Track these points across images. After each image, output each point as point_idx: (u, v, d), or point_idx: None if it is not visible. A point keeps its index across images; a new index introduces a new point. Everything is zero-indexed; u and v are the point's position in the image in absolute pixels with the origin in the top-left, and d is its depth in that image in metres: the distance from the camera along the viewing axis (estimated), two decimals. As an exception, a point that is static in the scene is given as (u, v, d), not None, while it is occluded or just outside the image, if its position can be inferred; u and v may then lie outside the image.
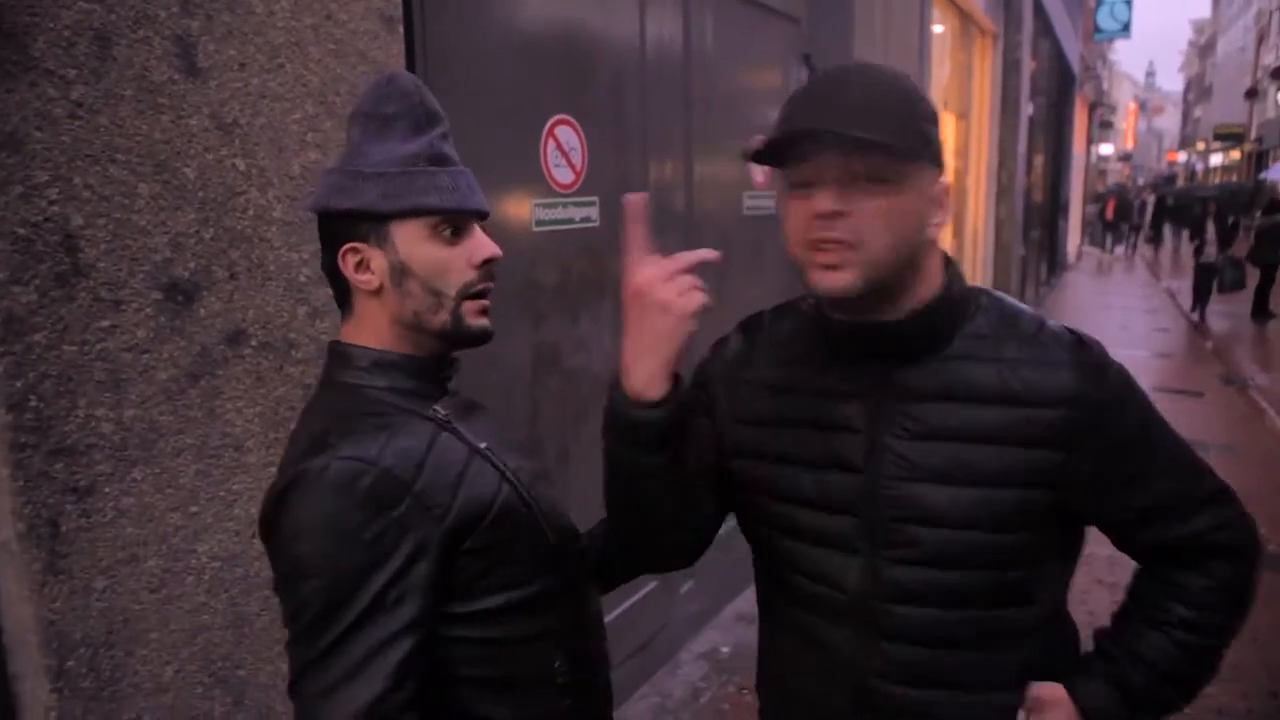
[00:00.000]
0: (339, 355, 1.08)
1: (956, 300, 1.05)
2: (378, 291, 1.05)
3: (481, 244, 1.06)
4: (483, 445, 1.08)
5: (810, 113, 0.98)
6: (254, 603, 1.47)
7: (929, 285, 1.03)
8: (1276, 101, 31.86)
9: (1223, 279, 10.78)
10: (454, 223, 1.04)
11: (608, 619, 2.79)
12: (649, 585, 3.03)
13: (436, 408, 1.07)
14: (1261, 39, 37.80)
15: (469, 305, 1.06)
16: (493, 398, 2.28)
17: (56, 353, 1.18)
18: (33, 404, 1.17)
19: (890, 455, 1.02)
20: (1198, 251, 12.58)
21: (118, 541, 1.27)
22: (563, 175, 2.47)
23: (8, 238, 1.12)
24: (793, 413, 1.09)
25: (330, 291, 1.54)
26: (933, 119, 1.02)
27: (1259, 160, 31.19)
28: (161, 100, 1.27)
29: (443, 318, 1.05)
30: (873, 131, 0.92)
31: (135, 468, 1.29)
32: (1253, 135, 37.14)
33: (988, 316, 1.05)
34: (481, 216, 1.08)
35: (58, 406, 1.19)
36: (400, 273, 1.03)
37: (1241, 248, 12.49)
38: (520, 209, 2.32)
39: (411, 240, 1.03)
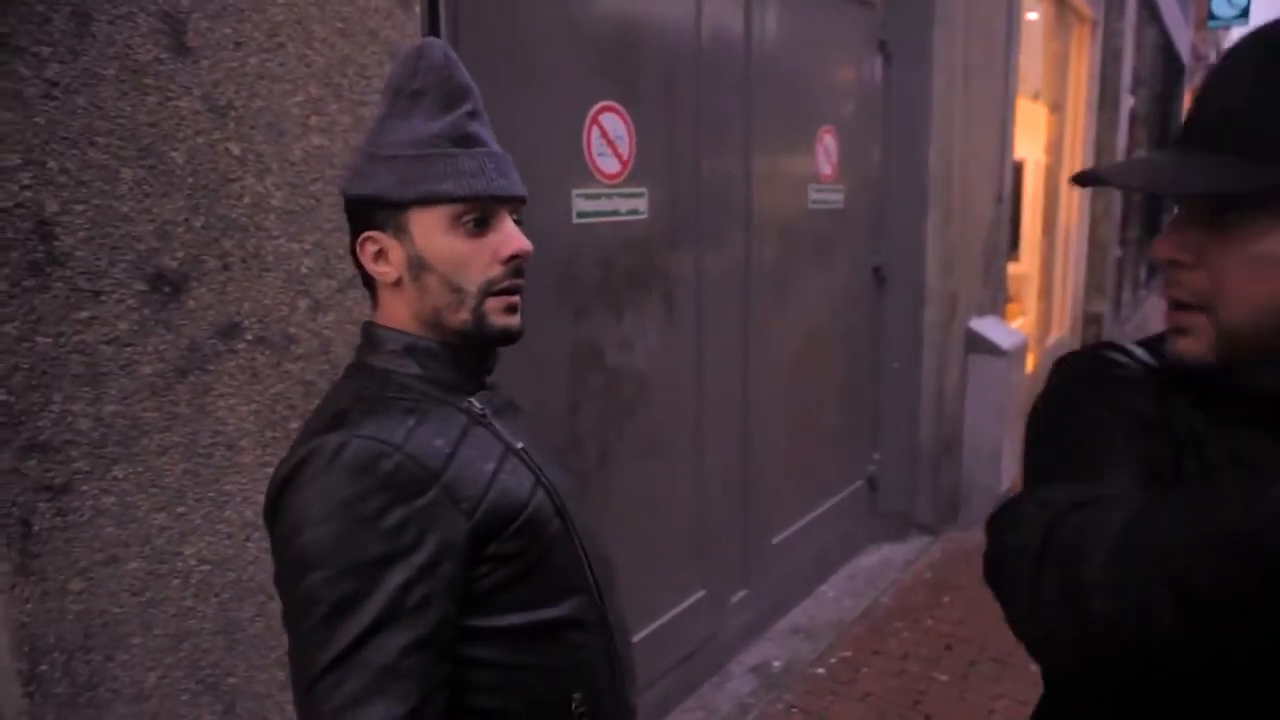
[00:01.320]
0: (370, 338, 1.00)
1: None
2: (397, 284, 0.97)
3: (510, 237, 0.97)
4: (519, 445, 1.00)
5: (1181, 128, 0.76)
6: (247, 608, 1.41)
7: None
8: None
9: None
10: (479, 212, 0.94)
11: (653, 626, 2.71)
12: (697, 593, 2.91)
13: (472, 400, 0.99)
14: (1395, 27, 35.28)
15: (493, 303, 0.97)
16: (528, 395, 2.19)
17: (29, 344, 1.13)
18: (2, 397, 1.12)
19: None
20: None
21: (96, 542, 1.22)
22: (608, 165, 2.37)
23: (-25, 224, 1.07)
24: None
25: (334, 284, 1.49)
26: None
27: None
28: (147, 81, 1.21)
29: (463, 316, 0.97)
30: (1211, 180, 0.68)
31: (116, 466, 1.23)
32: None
33: None
34: (515, 203, 0.99)
35: (30, 401, 1.14)
36: (418, 266, 0.96)
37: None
38: (559, 199, 2.22)
39: (429, 231, 0.94)
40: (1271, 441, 0.72)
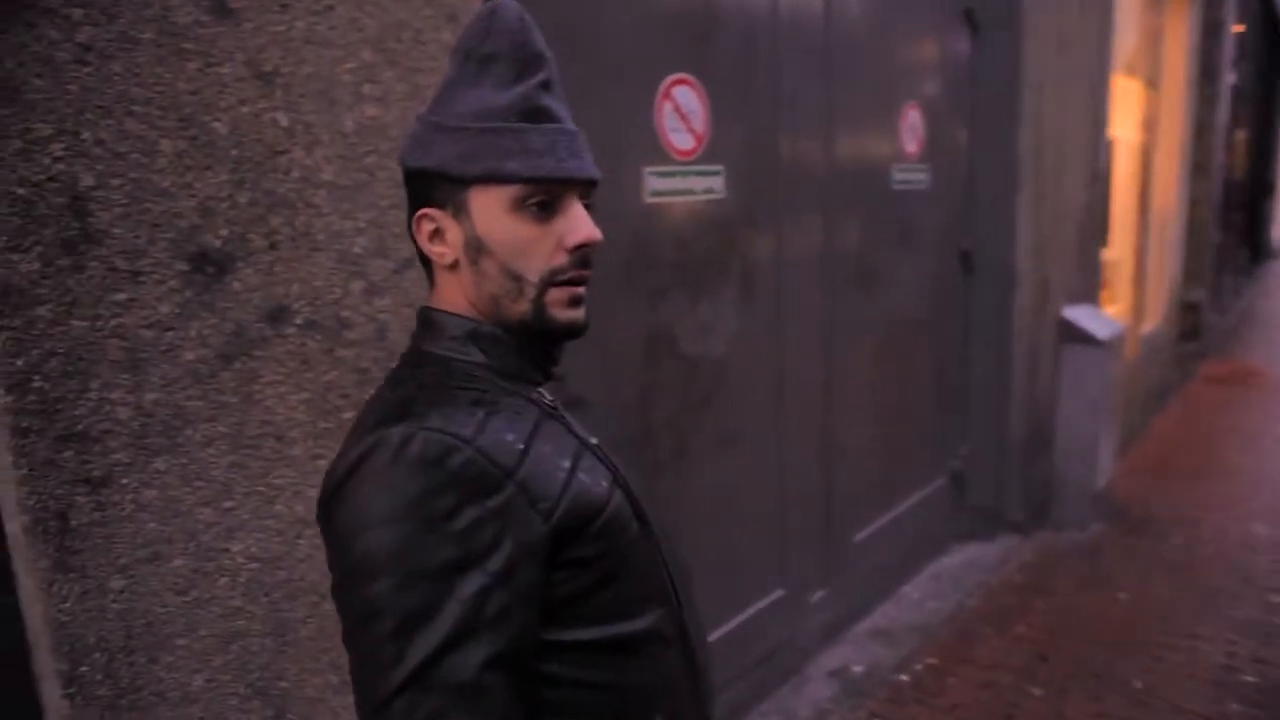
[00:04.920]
0: (428, 323, 0.92)
1: None
2: (454, 266, 0.89)
3: (578, 224, 0.87)
4: (594, 441, 0.91)
5: None
6: (298, 609, 1.32)
7: None
8: None
9: None
10: (546, 194, 0.85)
11: (729, 626, 2.58)
12: (776, 593, 2.78)
13: (542, 391, 0.91)
14: None
15: (555, 294, 0.88)
16: (599, 384, 2.09)
17: (64, 328, 1.06)
18: (36, 384, 1.04)
19: None
20: None
21: (138, 538, 1.15)
22: (681, 141, 2.24)
23: (4, 199, 1.00)
24: None
25: (390, 265, 1.39)
26: None
27: None
28: (187, 45, 1.13)
29: (523, 306, 0.87)
30: None
31: (157, 457, 1.15)
32: None
33: None
34: (585, 187, 0.88)
35: (66, 388, 1.07)
36: (476, 249, 0.87)
37: None
38: (631, 177, 2.10)
39: (490, 212, 0.85)
40: None
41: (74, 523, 1.09)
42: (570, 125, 0.88)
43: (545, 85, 0.86)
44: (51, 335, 1.05)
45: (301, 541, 1.32)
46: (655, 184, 2.17)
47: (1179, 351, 7.72)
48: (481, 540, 0.76)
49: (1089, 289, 4.49)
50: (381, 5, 1.32)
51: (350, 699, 1.33)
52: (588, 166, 0.88)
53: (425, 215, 0.89)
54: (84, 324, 1.07)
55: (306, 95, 1.25)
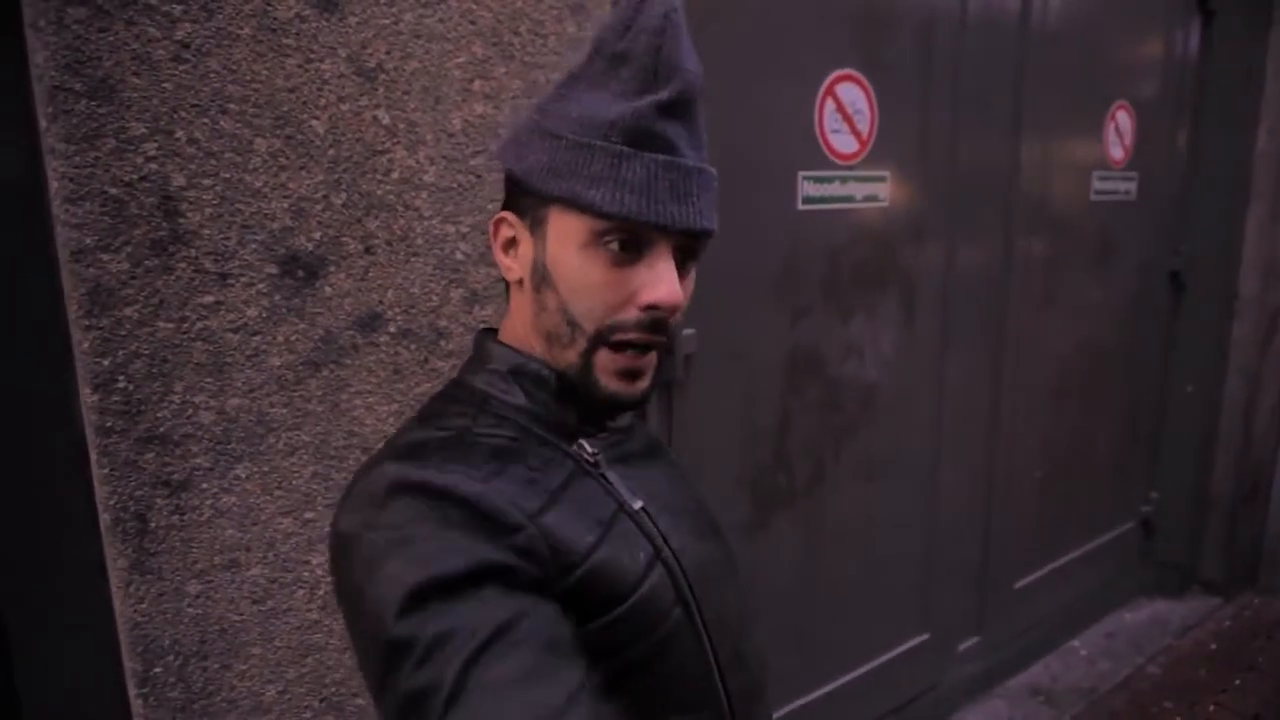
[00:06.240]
0: (476, 349, 0.84)
1: None
2: (520, 285, 0.80)
3: (657, 280, 0.73)
4: (638, 505, 0.78)
5: None
6: (380, 625, 1.28)
7: None
8: None
9: None
10: (629, 234, 0.72)
11: (865, 668, 2.39)
12: (920, 636, 2.56)
13: (584, 443, 0.79)
14: None
15: (605, 357, 0.75)
16: (733, 405, 1.96)
17: (150, 330, 1.04)
18: (121, 385, 1.03)
19: None
20: None
21: (215, 544, 1.13)
22: (843, 144, 2.06)
23: (97, 198, 0.99)
24: None
25: (494, 273, 1.31)
26: None
27: None
28: (287, 41, 1.08)
29: (570, 356, 0.76)
30: None
31: (239, 464, 1.13)
32: None
33: None
34: (688, 238, 0.74)
35: (149, 390, 1.05)
36: (541, 276, 0.76)
37: None
38: (783, 182, 1.94)
39: (564, 240, 0.74)
40: None
41: (153, 525, 1.08)
42: (689, 160, 0.73)
43: (667, 106, 0.71)
44: (137, 336, 1.04)
45: (385, 557, 1.27)
46: (809, 190, 2.00)
47: None
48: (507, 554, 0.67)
49: (1330, 320, 3.89)
50: (498, -3, 1.24)
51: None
52: (693, 215, 0.72)
53: (504, 220, 0.80)
54: (170, 326, 1.06)
55: (411, 92, 1.19)
